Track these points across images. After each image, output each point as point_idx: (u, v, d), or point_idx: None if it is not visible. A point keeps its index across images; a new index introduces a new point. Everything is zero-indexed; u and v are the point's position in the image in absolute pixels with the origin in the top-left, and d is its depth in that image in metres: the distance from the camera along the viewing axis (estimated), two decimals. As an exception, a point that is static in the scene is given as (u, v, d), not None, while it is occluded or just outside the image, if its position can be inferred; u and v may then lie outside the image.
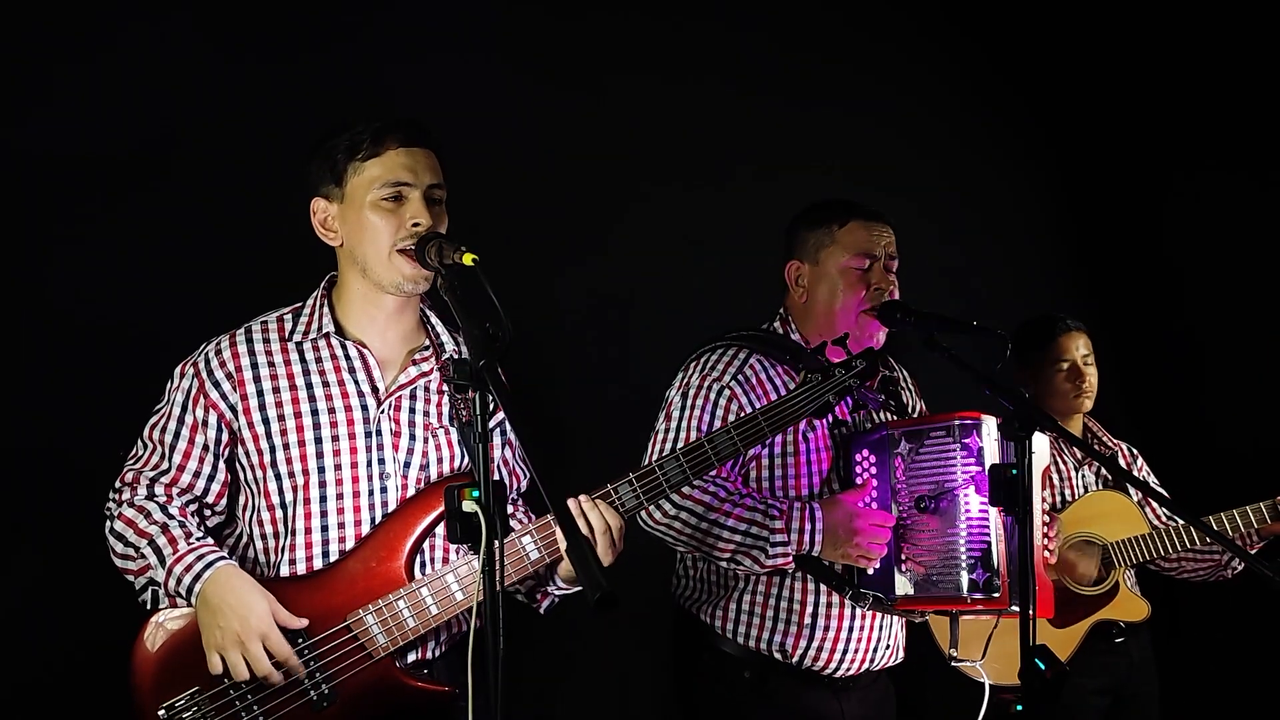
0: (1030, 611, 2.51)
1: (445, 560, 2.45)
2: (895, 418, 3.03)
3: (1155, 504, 3.76)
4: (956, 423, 2.78)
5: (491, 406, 2.08)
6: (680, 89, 4.06)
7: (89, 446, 2.83)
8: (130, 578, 2.41)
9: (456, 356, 2.53)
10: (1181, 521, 3.70)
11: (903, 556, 2.82)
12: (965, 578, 2.72)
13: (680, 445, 2.74)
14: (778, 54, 4.28)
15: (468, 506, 2.03)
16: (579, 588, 2.10)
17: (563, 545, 2.33)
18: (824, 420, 2.97)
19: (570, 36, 3.92)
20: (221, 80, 3.33)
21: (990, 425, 2.76)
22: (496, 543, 2.02)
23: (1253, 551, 3.68)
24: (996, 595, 2.72)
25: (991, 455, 2.75)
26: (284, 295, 2.56)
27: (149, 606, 2.39)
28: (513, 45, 3.80)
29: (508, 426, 2.57)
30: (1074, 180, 4.98)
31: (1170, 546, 3.71)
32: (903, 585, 2.82)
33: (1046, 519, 3.00)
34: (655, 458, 2.51)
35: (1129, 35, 4.85)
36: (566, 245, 3.84)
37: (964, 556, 2.73)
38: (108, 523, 2.44)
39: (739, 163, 4.17)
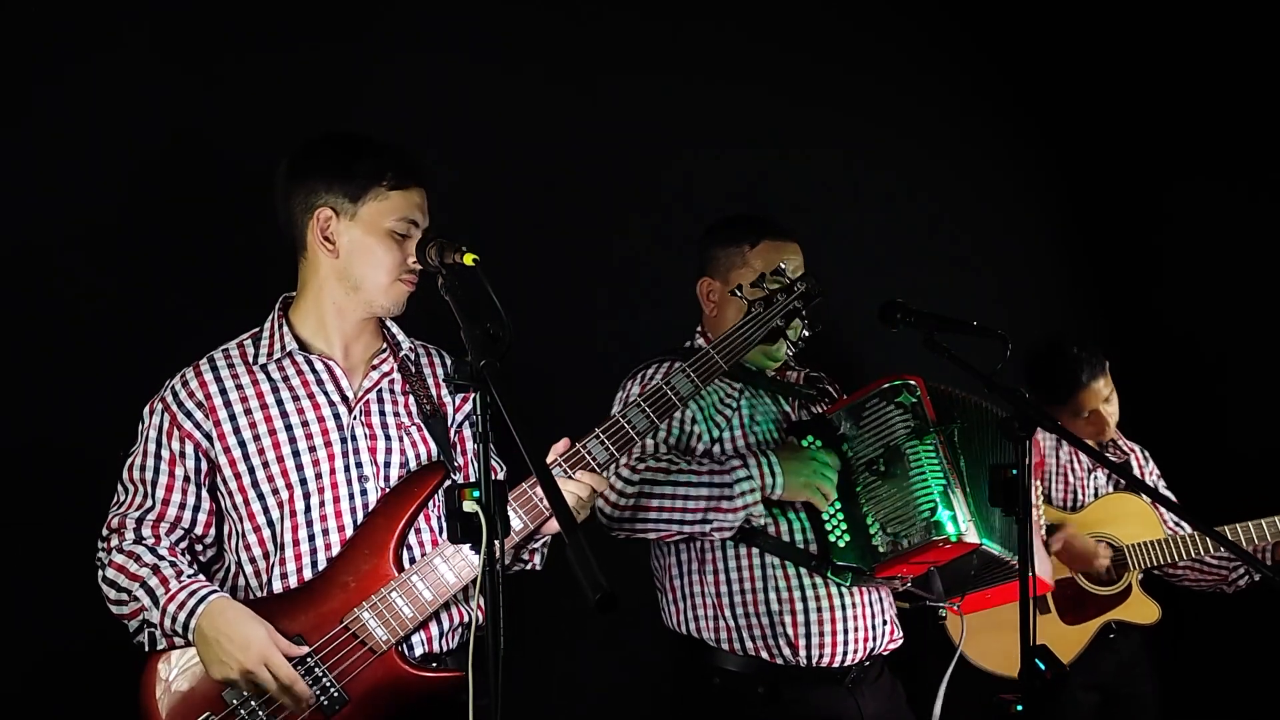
0: (1030, 615, 2.52)
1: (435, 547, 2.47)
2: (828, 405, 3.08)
3: (1166, 511, 3.77)
4: (886, 386, 2.91)
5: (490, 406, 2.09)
6: (678, 89, 4.06)
7: (90, 443, 2.84)
8: (125, 622, 2.44)
9: (412, 355, 2.59)
10: (1192, 530, 3.71)
11: (870, 523, 2.86)
12: (931, 521, 2.79)
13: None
14: (778, 55, 4.28)
15: (468, 506, 2.04)
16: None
17: (542, 505, 2.39)
18: (775, 419, 3.00)
19: (570, 35, 3.92)
20: (221, 78, 3.34)
21: (917, 382, 2.90)
22: (497, 543, 2.02)
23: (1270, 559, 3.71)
24: (964, 532, 2.79)
25: (925, 408, 2.87)
26: (277, 292, 2.59)
27: (146, 650, 2.42)
28: (507, 44, 3.79)
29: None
30: (1079, 187, 4.98)
31: (1185, 553, 3.72)
32: (875, 550, 2.86)
33: (1038, 512, 3.06)
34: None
35: (1135, 40, 4.85)
36: (562, 242, 3.83)
37: (924, 503, 2.80)
38: (99, 571, 2.46)
39: (736, 162, 4.17)
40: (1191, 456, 4.21)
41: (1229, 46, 4.73)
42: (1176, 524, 3.84)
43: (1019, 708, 2.52)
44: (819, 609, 2.91)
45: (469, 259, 2.23)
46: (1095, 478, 3.89)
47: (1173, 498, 3.93)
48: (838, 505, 2.90)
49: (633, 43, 4.02)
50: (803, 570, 2.92)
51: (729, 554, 2.95)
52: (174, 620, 2.35)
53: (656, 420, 2.52)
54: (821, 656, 2.92)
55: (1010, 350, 2.75)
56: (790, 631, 2.91)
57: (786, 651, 2.91)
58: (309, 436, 2.46)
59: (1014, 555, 2.85)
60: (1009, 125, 4.83)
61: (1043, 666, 2.49)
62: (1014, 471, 2.55)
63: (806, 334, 2.82)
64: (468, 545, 2.06)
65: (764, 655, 2.92)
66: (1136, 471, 3.94)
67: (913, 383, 2.90)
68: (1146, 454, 4.02)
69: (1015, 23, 4.78)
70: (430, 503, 2.47)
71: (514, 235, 3.65)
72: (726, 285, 3.03)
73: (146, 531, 2.44)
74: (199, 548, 2.50)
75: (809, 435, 2.96)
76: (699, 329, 3.14)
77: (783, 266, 2.77)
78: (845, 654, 2.93)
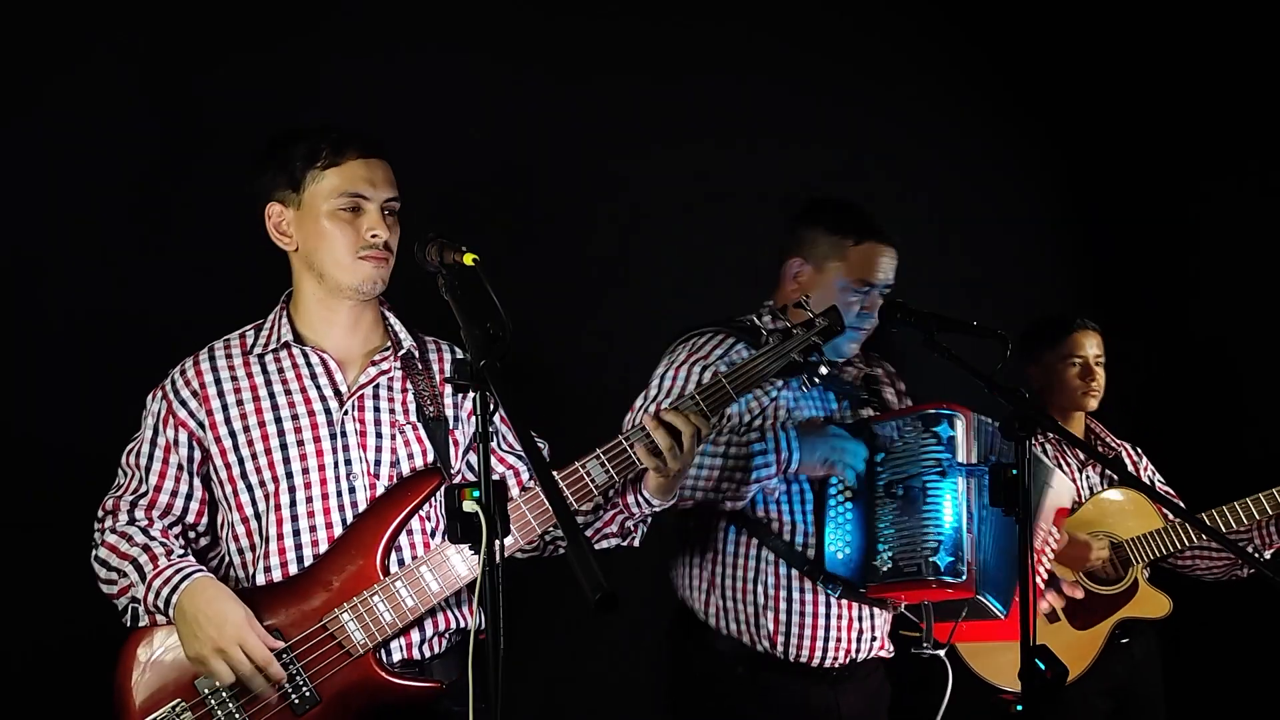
0: (1030, 611, 2.52)
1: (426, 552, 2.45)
2: (877, 412, 3.05)
3: (1160, 506, 3.76)
4: (930, 412, 2.84)
5: (492, 405, 2.08)
6: (677, 87, 4.05)
7: (91, 444, 2.84)
8: (114, 601, 2.44)
9: (416, 351, 2.57)
10: (1182, 519, 3.70)
11: (876, 544, 2.85)
12: (931, 561, 2.76)
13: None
14: (778, 54, 4.28)
15: (468, 506, 2.03)
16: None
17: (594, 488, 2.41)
18: (820, 415, 2.98)
19: (567, 32, 3.91)
20: (221, 78, 3.34)
21: (963, 417, 2.82)
22: (497, 542, 2.01)
23: (1273, 544, 3.69)
24: (962, 580, 2.76)
25: (962, 445, 2.81)
26: (269, 293, 2.59)
27: (130, 625, 2.41)
28: (505, 41, 3.79)
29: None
30: (1081, 183, 4.97)
31: (1187, 540, 3.70)
32: (873, 571, 2.84)
33: (1055, 538, 3.04)
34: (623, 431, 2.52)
35: (1136, 35, 4.84)
36: (561, 241, 3.83)
37: (931, 540, 2.77)
38: (93, 550, 2.47)
39: (734, 160, 4.16)
40: (1191, 447, 4.21)
41: (1230, 40, 4.72)
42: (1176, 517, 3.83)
43: (1019, 708, 2.52)
44: (801, 612, 2.92)
45: (469, 259, 2.21)
46: (1087, 475, 3.88)
47: (1170, 492, 3.93)
48: (850, 515, 2.88)
49: (632, 40, 4.02)
50: (794, 571, 2.92)
51: (729, 538, 2.95)
52: (157, 595, 2.35)
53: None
54: (800, 655, 2.93)
55: (1010, 350, 2.75)
56: (770, 627, 2.92)
57: (766, 644, 2.93)
58: (298, 430, 2.45)
59: (1006, 613, 2.84)
60: (1010, 124, 4.83)
61: (1043, 666, 2.49)
62: (1014, 471, 2.55)
63: (875, 322, 2.90)
64: (455, 549, 2.04)
65: (746, 641, 2.94)
66: (1130, 468, 3.94)
67: (958, 416, 2.83)
68: (1139, 450, 4.01)
69: (1015, 18, 4.78)
70: (424, 507, 2.45)
71: (513, 235, 3.65)
72: (819, 272, 3.00)
73: (140, 514, 2.46)
74: (192, 535, 2.50)
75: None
76: (768, 304, 3.08)
77: (802, 296, 2.75)
78: (824, 657, 2.94)
